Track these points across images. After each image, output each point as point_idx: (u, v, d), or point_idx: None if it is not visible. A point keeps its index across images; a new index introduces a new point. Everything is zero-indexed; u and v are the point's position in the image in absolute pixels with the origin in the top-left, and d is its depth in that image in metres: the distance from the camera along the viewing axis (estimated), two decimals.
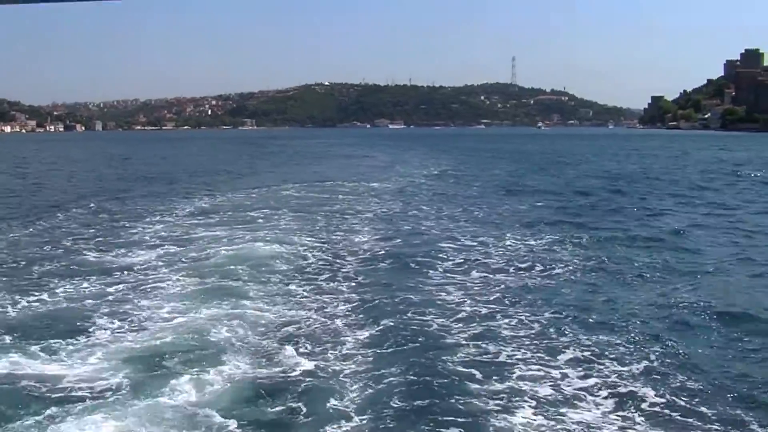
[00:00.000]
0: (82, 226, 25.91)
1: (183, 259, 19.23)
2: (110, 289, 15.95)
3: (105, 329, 12.98)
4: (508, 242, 22.14)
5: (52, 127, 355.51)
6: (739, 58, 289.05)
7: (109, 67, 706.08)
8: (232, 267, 17.85)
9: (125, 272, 17.60)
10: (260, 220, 26.57)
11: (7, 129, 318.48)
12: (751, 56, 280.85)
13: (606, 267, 18.60)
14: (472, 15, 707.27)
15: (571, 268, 18.36)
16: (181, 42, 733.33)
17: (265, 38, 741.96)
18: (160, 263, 18.72)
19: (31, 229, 25.11)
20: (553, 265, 18.58)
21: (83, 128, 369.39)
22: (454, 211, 30.74)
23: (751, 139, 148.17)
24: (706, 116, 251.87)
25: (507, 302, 15.07)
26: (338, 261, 19.37)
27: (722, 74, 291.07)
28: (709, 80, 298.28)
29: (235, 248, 20.47)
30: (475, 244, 21.98)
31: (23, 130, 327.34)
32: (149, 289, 15.92)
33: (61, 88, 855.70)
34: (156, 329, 12.93)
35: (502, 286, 16.51)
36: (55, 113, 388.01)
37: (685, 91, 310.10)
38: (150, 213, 29.54)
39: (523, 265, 18.68)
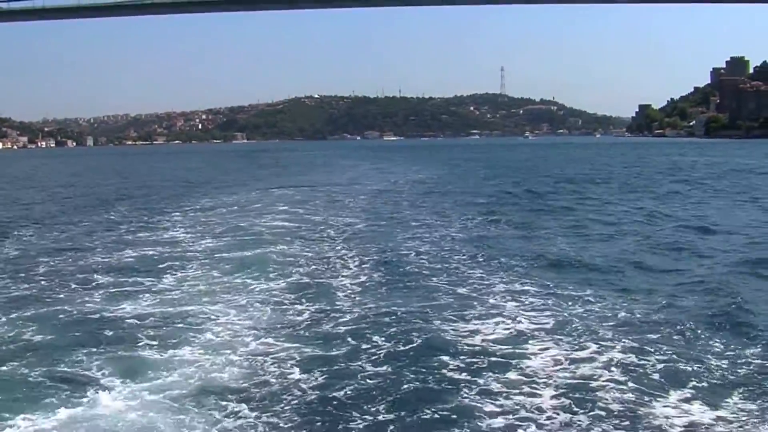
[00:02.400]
0: (126, 218, 32.64)
1: (199, 242, 23.98)
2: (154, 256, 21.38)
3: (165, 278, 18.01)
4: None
5: (44, 143, 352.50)
6: (725, 66, 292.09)
7: (98, 82, 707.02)
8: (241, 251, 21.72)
9: (163, 246, 23.20)
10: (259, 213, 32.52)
11: None
12: (737, 64, 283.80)
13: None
14: (461, 26, 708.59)
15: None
16: (170, 56, 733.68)
17: (253, 52, 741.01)
18: (184, 242, 24.12)
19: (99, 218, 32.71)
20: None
21: (74, 144, 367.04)
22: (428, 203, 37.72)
23: (721, 145, 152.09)
24: (691, 124, 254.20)
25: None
26: (333, 243, 23.45)
27: (709, 82, 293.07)
28: (696, 88, 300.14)
29: (243, 235, 25.27)
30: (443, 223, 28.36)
31: (15, 147, 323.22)
32: (178, 260, 20.60)
33: (51, 104, 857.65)
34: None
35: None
36: (45, 129, 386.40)
37: (672, 99, 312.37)
38: (171, 210, 35.25)
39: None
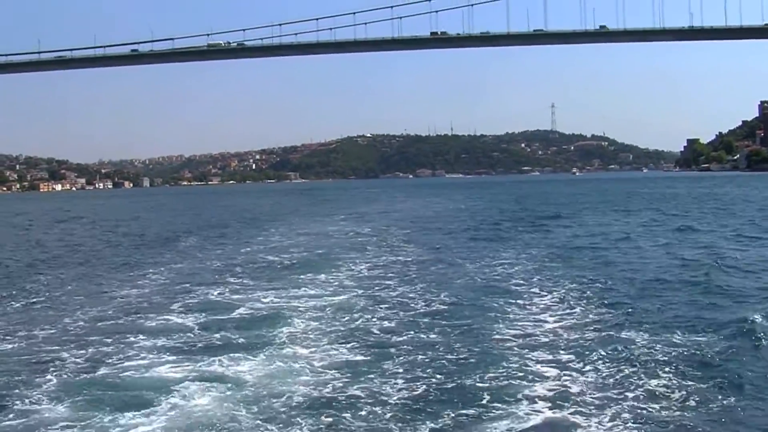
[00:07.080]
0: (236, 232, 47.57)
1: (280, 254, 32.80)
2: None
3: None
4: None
5: (101, 184, 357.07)
6: None
7: (153, 124, 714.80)
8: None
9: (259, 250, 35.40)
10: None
11: (58, 187, 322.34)
12: None
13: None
14: (510, 63, 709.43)
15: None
16: (223, 98, 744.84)
17: (306, 92, 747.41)
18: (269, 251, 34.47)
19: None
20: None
21: (131, 185, 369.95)
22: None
23: (752, 178, 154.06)
24: (736, 158, 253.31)
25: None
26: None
27: (757, 115, 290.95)
28: (743, 122, 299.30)
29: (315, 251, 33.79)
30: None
31: (73, 188, 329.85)
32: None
33: (107, 146, 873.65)
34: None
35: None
36: (102, 171, 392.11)
37: (720, 133, 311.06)
38: (261, 231, 47.39)
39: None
